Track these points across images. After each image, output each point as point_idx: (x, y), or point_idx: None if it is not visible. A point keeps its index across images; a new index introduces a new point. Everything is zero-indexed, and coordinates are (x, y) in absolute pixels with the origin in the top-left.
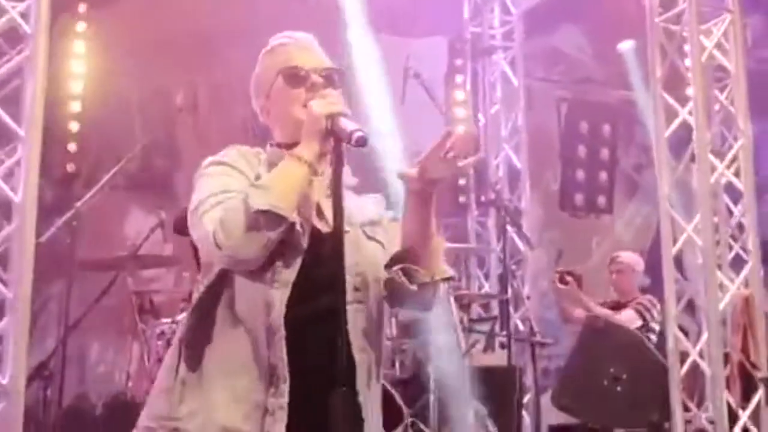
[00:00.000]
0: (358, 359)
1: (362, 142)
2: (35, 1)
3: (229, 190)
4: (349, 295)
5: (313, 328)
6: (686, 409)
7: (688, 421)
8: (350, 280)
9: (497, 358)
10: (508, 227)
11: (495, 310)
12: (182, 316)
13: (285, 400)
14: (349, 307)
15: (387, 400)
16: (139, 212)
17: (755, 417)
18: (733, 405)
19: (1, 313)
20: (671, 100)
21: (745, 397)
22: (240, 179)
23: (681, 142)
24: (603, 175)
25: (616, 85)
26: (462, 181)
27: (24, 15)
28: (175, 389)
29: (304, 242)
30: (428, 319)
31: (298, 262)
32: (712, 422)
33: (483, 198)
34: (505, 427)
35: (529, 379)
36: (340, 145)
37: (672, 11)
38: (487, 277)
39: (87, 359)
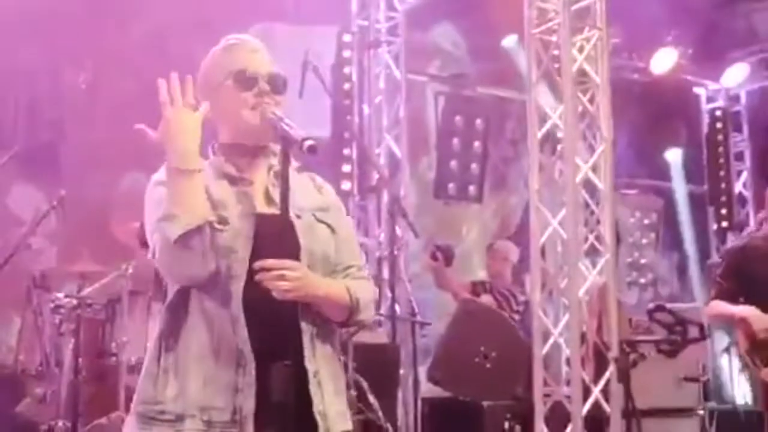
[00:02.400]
0: (307, 333)
1: (313, 151)
2: None
3: (179, 203)
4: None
5: (270, 308)
6: (546, 384)
7: (546, 395)
8: (303, 261)
9: (378, 336)
10: (393, 214)
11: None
12: (86, 292)
13: (252, 378)
14: None
15: None
16: (25, 187)
17: (605, 392)
18: (587, 381)
19: None
20: (544, 105)
21: (598, 375)
22: (192, 185)
23: (547, 140)
24: (474, 167)
25: (489, 82)
26: (346, 168)
27: None
28: (159, 377)
29: (249, 236)
30: None
31: (247, 255)
32: (568, 397)
33: (365, 184)
34: (385, 399)
35: (405, 356)
36: (285, 149)
37: (547, 25)
38: (367, 260)
39: None
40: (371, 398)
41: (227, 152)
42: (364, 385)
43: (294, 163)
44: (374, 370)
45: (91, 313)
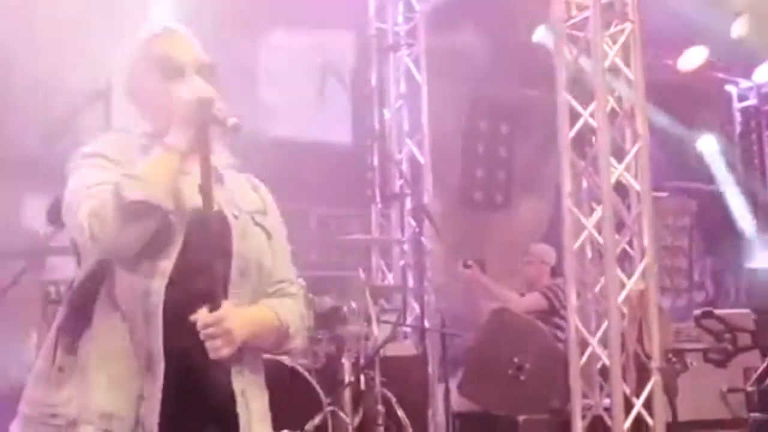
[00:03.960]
0: None
1: (237, 128)
2: None
3: (103, 183)
4: (234, 278)
5: (191, 312)
6: (585, 396)
7: (586, 408)
8: (235, 265)
9: (405, 348)
10: (412, 220)
11: (398, 301)
12: None
13: (159, 384)
14: (231, 290)
15: (305, 389)
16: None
17: (648, 405)
18: (628, 393)
19: None
20: (575, 103)
21: (640, 386)
22: (116, 171)
23: (579, 141)
24: (501, 173)
25: (514, 85)
26: (368, 175)
27: None
28: (53, 376)
29: (181, 231)
30: (344, 310)
31: (176, 251)
32: (607, 409)
33: (387, 191)
34: (414, 414)
35: (435, 369)
36: (205, 130)
37: (577, 18)
38: (390, 268)
39: None
40: (400, 413)
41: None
42: (392, 399)
43: (230, 160)
44: (402, 384)
45: None
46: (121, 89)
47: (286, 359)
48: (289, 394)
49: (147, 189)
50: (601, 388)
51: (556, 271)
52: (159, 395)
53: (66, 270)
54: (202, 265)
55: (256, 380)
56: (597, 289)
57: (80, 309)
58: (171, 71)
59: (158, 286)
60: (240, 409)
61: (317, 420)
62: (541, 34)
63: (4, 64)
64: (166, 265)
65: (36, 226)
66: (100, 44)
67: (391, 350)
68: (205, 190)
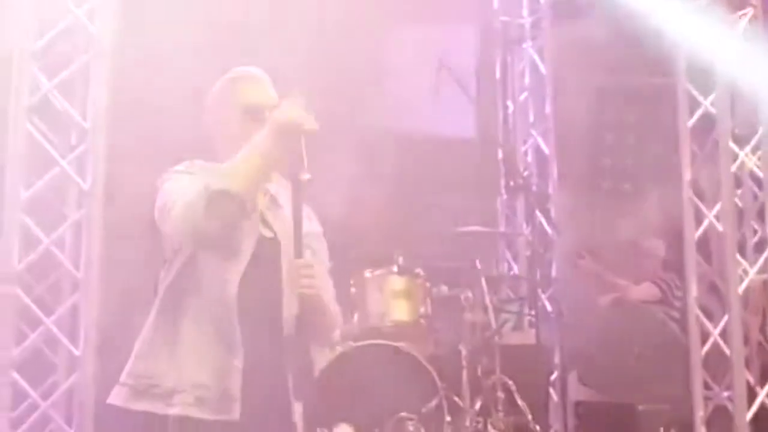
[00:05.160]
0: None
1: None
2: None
3: (194, 184)
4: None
5: (259, 306)
6: (707, 387)
7: (708, 399)
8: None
9: (526, 337)
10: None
11: (523, 291)
12: None
13: (240, 360)
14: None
15: (423, 375)
16: None
17: None
18: (752, 383)
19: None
20: (694, 91)
21: (764, 376)
22: (195, 179)
23: (705, 128)
24: (629, 162)
25: (642, 73)
26: (493, 167)
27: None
28: (152, 353)
29: (256, 232)
30: (461, 299)
31: (248, 253)
32: (731, 400)
33: (512, 183)
34: (533, 402)
35: (555, 358)
36: (299, 147)
37: (697, 3)
38: (516, 259)
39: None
40: (519, 401)
41: None
42: (512, 387)
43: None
44: (523, 372)
45: None
46: (204, 120)
47: (403, 345)
48: (406, 379)
49: (229, 181)
50: (721, 380)
51: (667, 264)
52: (240, 367)
53: None
54: (264, 275)
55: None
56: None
57: (174, 296)
58: (253, 113)
59: (234, 277)
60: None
61: (433, 404)
62: None
63: None
64: (240, 266)
65: None
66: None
67: (513, 339)
68: (296, 205)
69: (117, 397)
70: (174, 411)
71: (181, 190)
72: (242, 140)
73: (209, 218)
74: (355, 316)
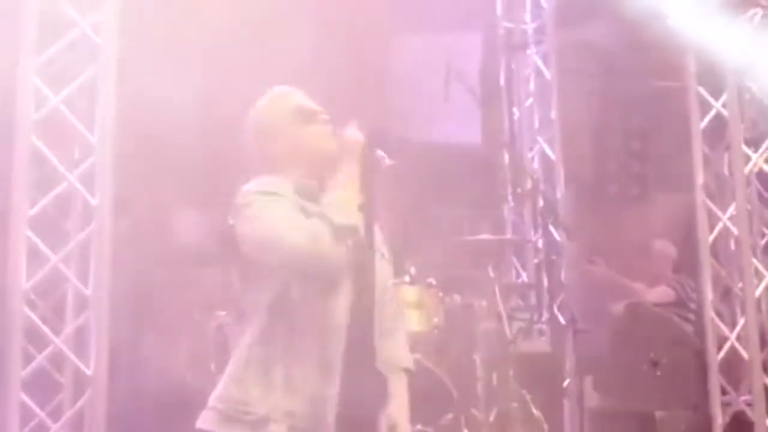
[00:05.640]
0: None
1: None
2: (107, 12)
3: (294, 215)
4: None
5: (362, 329)
6: (724, 392)
7: (726, 404)
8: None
9: (538, 345)
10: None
11: (532, 299)
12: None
13: (336, 388)
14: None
15: (438, 386)
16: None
17: None
18: None
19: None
20: (705, 93)
21: None
22: (289, 204)
23: (714, 131)
24: (636, 166)
25: (647, 76)
26: (500, 174)
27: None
28: (245, 378)
29: (356, 260)
30: (474, 308)
31: (350, 282)
32: (750, 405)
33: (519, 189)
34: (548, 411)
35: (568, 365)
36: (372, 170)
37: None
38: (524, 267)
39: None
40: (534, 410)
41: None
42: (527, 396)
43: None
44: (537, 381)
45: None
46: (253, 139)
47: (418, 357)
48: (422, 391)
49: (348, 217)
50: (739, 385)
51: (678, 266)
52: (335, 397)
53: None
54: (359, 290)
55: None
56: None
57: (270, 326)
58: (305, 118)
59: (343, 306)
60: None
61: (450, 416)
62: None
63: None
64: (346, 287)
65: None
66: None
67: (525, 347)
68: (368, 226)
69: (205, 421)
70: None
71: (287, 218)
72: (299, 146)
73: (335, 252)
74: None
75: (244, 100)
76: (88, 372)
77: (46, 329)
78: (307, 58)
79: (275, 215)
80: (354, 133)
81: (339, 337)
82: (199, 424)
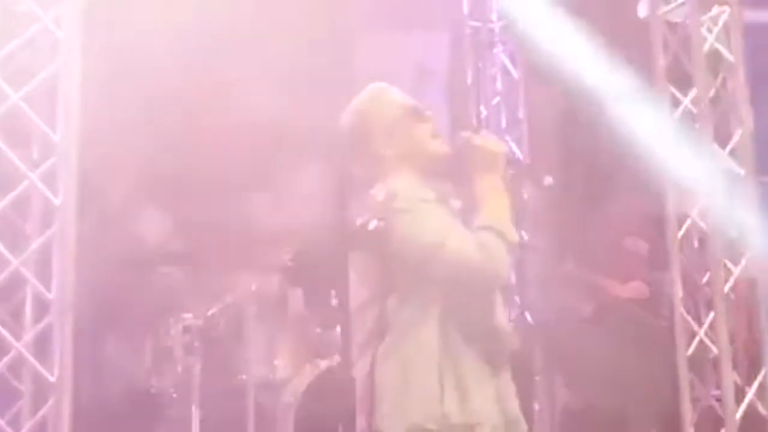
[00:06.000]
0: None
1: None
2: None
3: (461, 227)
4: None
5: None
6: (694, 387)
7: (696, 400)
8: None
9: None
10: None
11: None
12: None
13: (509, 383)
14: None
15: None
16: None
17: (761, 393)
18: (740, 383)
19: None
20: (675, 90)
21: (751, 376)
22: (449, 213)
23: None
24: (602, 166)
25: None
26: None
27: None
28: (444, 393)
29: None
30: None
31: None
32: (719, 400)
33: None
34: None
35: (538, 363)
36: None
37: (673, 5)
38: None
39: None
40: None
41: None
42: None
43: None
44: None
45: (218, 332)
46: (362, 139)
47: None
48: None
49: (513, 232)
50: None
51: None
52: (512, 392)
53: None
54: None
55: None
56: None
57: (444, 331)
58: (419, 116)
59: (500, 304)
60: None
61: None
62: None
63: None
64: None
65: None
66: None
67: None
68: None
69: None
70: None
71: (454, 229)
72: (413, 146)
73: (506, 265)
74: (338, 328)
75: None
76: (51, 378)
77: (6, 334)
78: (276, 57)
79: (442, 226)
80: (495, 142)
81: (501, 339)
82: None
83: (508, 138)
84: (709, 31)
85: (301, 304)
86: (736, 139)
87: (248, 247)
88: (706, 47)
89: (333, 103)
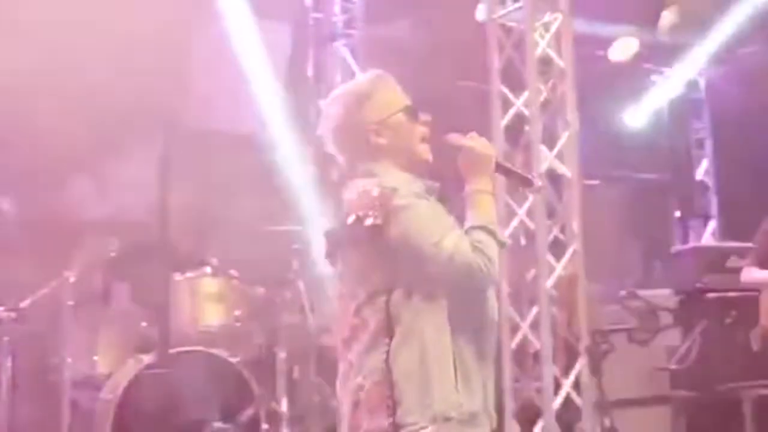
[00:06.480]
0: None
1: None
2: None
3: (450, 223)
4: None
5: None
6: (517, 380)
7: (518, 390)
8: None
9: None
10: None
11: None
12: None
13: (493, 371)
14: None
15: (238, 381)
16: None
17: (576, 385)
18: (558, 375)
19: None
20: (508, 92)
21: (569, 369)
22: (442, 211)
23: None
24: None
25: (449, 76)
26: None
27: None
28: (458, 384)
29: None
30: (277, 301)
31: None
32: (539, 391)
33: (326, 182)
34: None
35: None
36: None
37: (510, 8)
38: None
39: None
40: (335, 403)
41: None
42: (328, 390)
43: None
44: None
45: (31, 326)
46: (359, 123)
47: (216, 351)
48: (221, 386)
49: (501, 232)
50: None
51: None
52: (493, 383)
53: None
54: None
55: None
56: (530, 275)
57: (451, 323)
58: (414, 115)
59: (492, 298)
60: None
61: (249, 412)
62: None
63: None
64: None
65: None
66: None
67: (329, 340)
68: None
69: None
70: None
71: (455, 234)
72: (407, 145)
73: (497, 266)
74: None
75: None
76: None
77: None
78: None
79: (440, 225)
80: (484, 144)
81: (493, 332)
82: None
83: None
84: (542, 36)
85: (126, 297)
86: (562, 141)
87: (67, 237)
88: (539, 52)
89: (164, 92)
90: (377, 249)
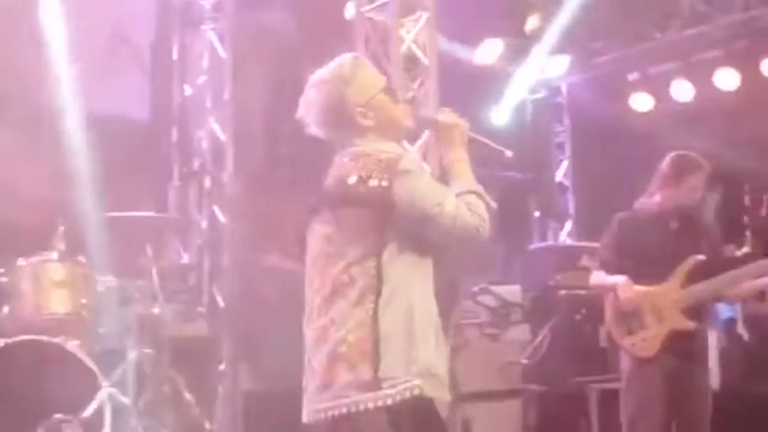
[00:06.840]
0: None
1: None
2: None
3: (446, 188)
4: None
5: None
6: None
7: None
8: None
9: (197, 329)
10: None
11: (194, 281)
12: None
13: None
14: None
15: (83, 372)
16: None
17: None
18: None
19: None
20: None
21: None
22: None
23: None
24: (307, 153)
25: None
26: (166, 152)
27: None
28: (438, 342)
29: None
30: (129, 290)
31: None
32: None
33: (186, 169)
34: (202, 394)
35: (225, 349)
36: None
37: (378, 3)
38: (186, 248)
39: None
40: (187, 395)
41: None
42: (179, 381)
43: None
44: (192, 365)
45: None
46: (345, 101)
47: (61, 340)
48: (65, 379)
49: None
50: None
51: None
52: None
53: None
54: None
55: None
56: None
57: (428, 287)
58: (393, 94)
59: (450, 265)
60: None
61: (95, 404)
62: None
63: None
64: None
65: None
66: None
67: (182, 331)
68: None
69: (433, 389)
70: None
71: (454, 200)
72: (395, 120)
73: (487, 228)
74: (5, 309)
75: None
76: None
77: None
78: None
79: (440, 189)
80: (455, 118)
81: (454, 296)
82: (428, 392)
83: (211, 119)
84: (408, 33)
85: None
86: (423, 139)
87: None
88: (404, 48)
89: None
90: (377, 209)
